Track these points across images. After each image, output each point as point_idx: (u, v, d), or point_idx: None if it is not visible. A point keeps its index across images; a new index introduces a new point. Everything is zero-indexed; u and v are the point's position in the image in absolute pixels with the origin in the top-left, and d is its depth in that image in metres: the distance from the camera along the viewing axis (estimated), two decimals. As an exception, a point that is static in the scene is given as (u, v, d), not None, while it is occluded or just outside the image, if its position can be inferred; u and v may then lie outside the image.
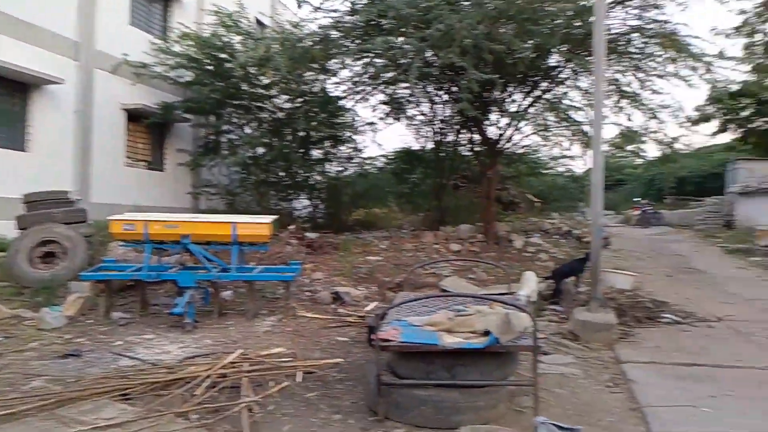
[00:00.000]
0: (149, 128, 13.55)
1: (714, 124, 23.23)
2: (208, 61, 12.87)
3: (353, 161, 16.10)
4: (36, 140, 10.67)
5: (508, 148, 13.48)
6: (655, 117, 11.49)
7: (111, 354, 5.07)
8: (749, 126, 23.21)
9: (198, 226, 6.43)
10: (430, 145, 15.85)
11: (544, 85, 11.95)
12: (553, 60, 11.34)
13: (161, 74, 12.80)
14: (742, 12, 20.23)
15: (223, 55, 12.69)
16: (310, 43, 11.32)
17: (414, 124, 15.53)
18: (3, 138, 10.14)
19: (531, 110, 12.37)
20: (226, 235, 6.42)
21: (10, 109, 10.32)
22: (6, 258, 7.45)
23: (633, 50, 10.76)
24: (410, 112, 14.86)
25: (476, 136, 13.59)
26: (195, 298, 6.18)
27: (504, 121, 12.56)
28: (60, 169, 11.03)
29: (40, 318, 5.99)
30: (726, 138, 24.96)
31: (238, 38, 12.94)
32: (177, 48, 13.00)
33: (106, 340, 5.58)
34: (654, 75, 10.95)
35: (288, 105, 14.19)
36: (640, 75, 11.10)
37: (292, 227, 11.76)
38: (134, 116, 13.07)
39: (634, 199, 26.40)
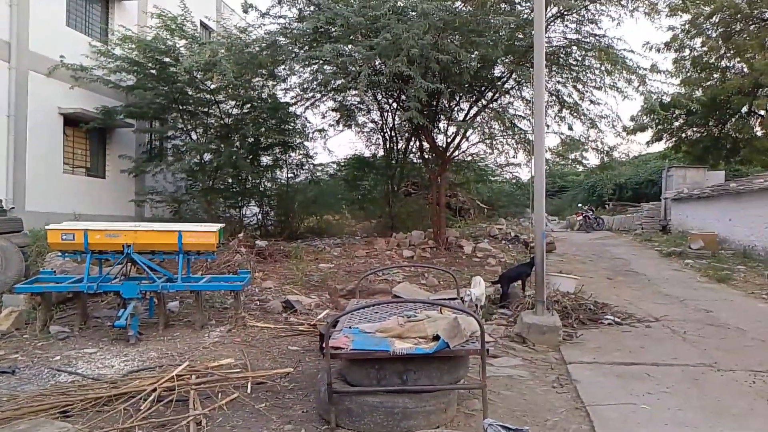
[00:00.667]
0: (89, 133, 12.99)
1: (649, 134, 24.51)
2: (151, 64, 12.51)
3: (304, 168, 16.02)
4: (-37, 146, 10.04)
5: (456, 156, 13.77)
6: (594, 126, 12.04)
7: (49, 370, 4.83)
8: (681, 135, 24.64)
9: (141, 235, 6.21)
10: (380, 153, 15.99)
11: (489, 94, 12.31)
12: (498, 70, 11.71)
13: (101, 78, 12.32)
14: (671, 28, 21.51)
15: (166, 59, 12.35)
16: (258, 49, 11.22)
17: (365, 132, 15.67)
18: (-74, 143, 9.49)
19: (478, 119, 12.70)
20: (171, 244, 6.24)
21: (-66, 112, 9.68)
22: (-71, 271, 6.97)
23: (572, 62, 11.24)
24: (361, 119, 15.00)
25: (425, 144, 13.81)
26: (139, 309, 5.97)
27: (452, 129, 12.85)
28: (-10, 176, 10.42)
29: (-31, 334, 5.64)
30: (660, 146, 26.36)
31: (182, 42, 12.64)
32: (118, 51, 12.56)
33: (43, 355, 5.31)
34: (592, 86, 11.49)
35: (236, 111, 13.97)
36: (580, 86, 11.62)
37: (241, 235, 11.55)
38: (72, 121, 12.50)
39: (578, 205, 27.45)
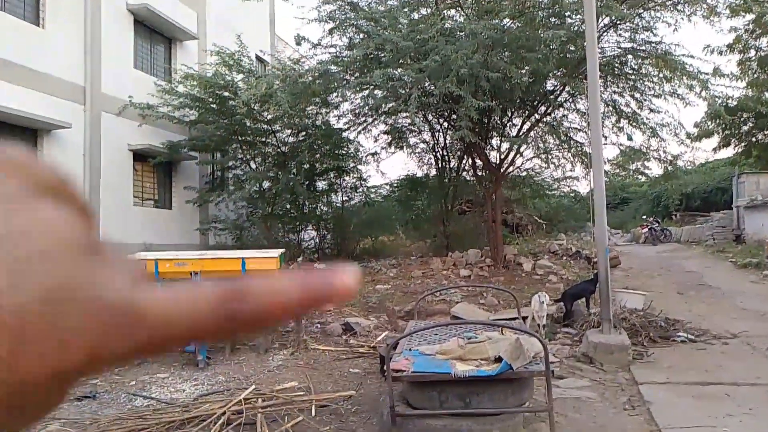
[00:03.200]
0: (156, 167, 13.76)
1: (715, 140, 23.30)
2: (212, 99, 13.15)
3: (358, 191, 16.27)
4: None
5: (511, 172, 13.59)
6: (655, 135, 11.61)
7: (126, 394, 5.08)
8: (751, 139, 23.29)
9: (207, 263, 6.49)
10: (433, 172, 16.01)
11: (542, 108, 12.14)
12: (550, 84, 11.55)
13: (166, 114, 13.06)
14: (734, 29, 20.51)
15: (226, 94, 12.97)
16: (311, 79, 11.59)
17: (416, 152, 15.75)
18: (14, 183, 10.31)
19: (531, 134, 12.53)
20: (235, 271, 6.47)
21: (21, 155, 10.52)
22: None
23: (628, 71, 10.94)
24: (412, 140, 15.12)
25: (478, 161, 13.73)
26: (206, 335, 6.19)
27: (505, 145, 12.71)
28: (70, 211, 11.17)
29: (54, 361, 6.02)
30: (729, 152, 24.99)
31: (240, 76, 13.24)
32: (181, 88, 13.30)
33: (120, 380, 5.59)
34: (651, 95, 11.13)
35: (292, 139, 14.42)
36: (637, 95, 11.27)
37: (300, 259, 11.82)
38: (141, 156, 13.29)
39: (642, 217, 26.32)
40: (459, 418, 3.51)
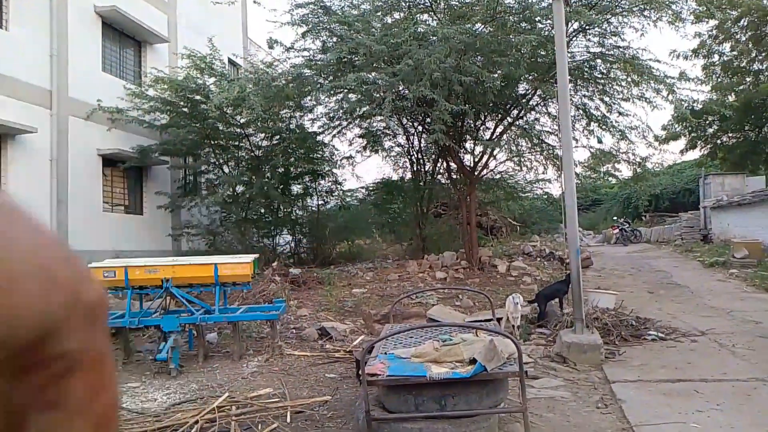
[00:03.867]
0: (126, 172, 13.50)
1: (682, 142, 23.95)
2: (183, 103, 12.97)
3: (334, 194, 16.22)
4: (11, 190, 10.53)
5: (484, 175, 13.73)
6: (624, 138, 11.87)
7: (94, 406, 4.95)
8: (716, 141, 24.01)
9: (179, 269, 6.37)
10: (408, 175, 16.07)
11: (515, 112, 12.31)
12: (522, 88, 11.72)
13: (136, 118, 12.83)
14: (698, 35, 21.16)
15: (197, 97, 12.80)
16: (284, 82, 11.53)
17: (392, 156, 15.80)
18: (-24, 190, 9.99)
19: (504, 137, 12.68)
20: (208, 277, 6.38)
21: (-16, 160, 10.22)
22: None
23: (597, 75, 11.17)
24: (387, 144, 15.16)
25: (453, 164, 13.83)
26: (179, 342, 6.09)
27: (479, 148, 12.85)
28: (37, 217, 10.86)
29: (19, 373, 5.83)
30: (695, 154, 25.71)
31: (212, 80, 13.10)
32: (151, 92, 13.08)
33: (88, 391, 5.45)
34: (620, 98, 11.38)
35: (265, 143, 14.31)
36: (607, 99, 11.51)
37: (275, 264, 11.71)
38: (110, 161, 13.02)
39: (613, 218, 26.86)
40: (435, 421, 3.50)
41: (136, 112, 12.87)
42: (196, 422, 4.08)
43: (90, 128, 12.37)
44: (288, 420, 4.30)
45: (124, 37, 14.10)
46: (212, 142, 13.62)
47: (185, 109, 13.03)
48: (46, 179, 11.29)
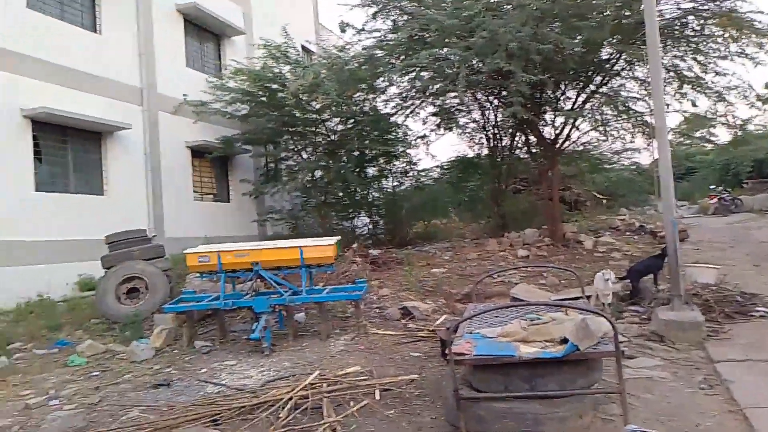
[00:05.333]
0: (212, 162, 14.19)
1: (790, 100, 21.68)
2: (261, 92, 13.36)
3: (408, 175, 16.18)
4: (111, 184, 11.40)
5: (567, 147, 13.14)
6: (722, 100, 10.91)
7: (197, 382, 5.30)
8: (830, 97, 21.56)
9: (267, 253, 6.65)
10: (485, 152, 15.71)
11: (598, 79, 11.63)
12: (605, 53, 11.02)
13: (219, 110, 13.39)
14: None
15: (275, 86, 13.14)
16: (356, 65, 11.56)
17: (467, 132, 15.47)
18: (83, 185, 10.91)
19: (587, 106, 12.04)
20: (294, 260, 6.61)
21: (87, 156, 11.10)
22: (95, 296, 7.98)
23: (690, 33, 10.29)
24: (461, 120, 14.83)
25: (532, 138, 13.36)
26: (270, 322, 6.37)
27: (560, 119, 12.29)
28: (135, 208, 11.72)
29: (131, 351, 6.36)
30: (805, 112, 23.21)
31: (287, 68, 13.38)
32: (231, 84, 13.58)
33: (191, 368, 5.85)
34: (716, 57, 10.43)
35: (341, 127, 14.49)
36: (701, 58, 10.60)
37: (354, 246, 11.92)
38: (198, 152, 13.73)
39: (710, 187, 24.93)
40: (525, 401, 3.44)
41: (219, 104, 13.42)
42: (291, 398, 4.26)
43: (178, 122, 13.08)
44: (377, 397, 4.39)
45: (204, 32, 14.71)
46: (290, 129, 13.97)
47: (263, 99, 13.42)
48: (141, 172, 12.10)
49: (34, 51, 9.93)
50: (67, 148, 10.68)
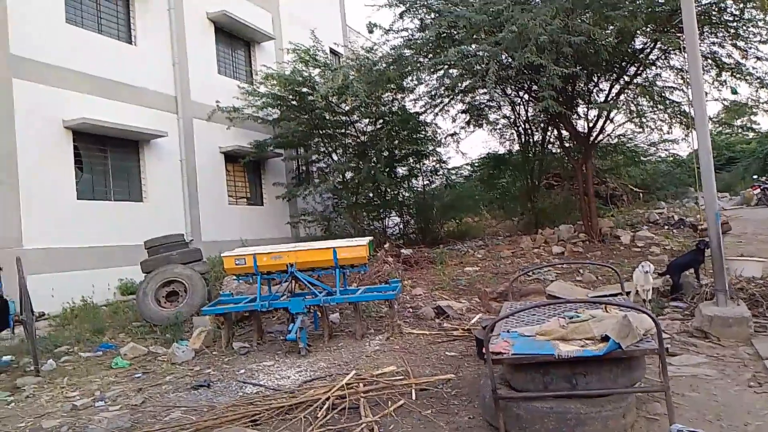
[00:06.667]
0: (246, 167, 14.43)
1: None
2: (292, 96, 13.52)
3: (439, 173, 16.13)
4: (149, 190, 11.72)
5: (601, 140, 12.87)
6: (764, 86, 10.50)
7: (236, 382, 5.39)
8: None
9: (301, 255, 6.71)
10: (516, 147, 15.53)
11: (632, 69, 11.35)
12: (639, 42, 10.76)
13: (251, 115, 13.62)
14: None
15: (305, 90, 13.28)
16: (385, 65, 11.57)
17: (497, 128, 15.33)
18: (123, 192, 11.25)
19: (621, 97, 11.76)
20: (328, 260, 6.65)
21: (126, 164, 11.44)
22: (136, 300, 8.20)
23: (728, 18, 9.94)
24: (491, 116, 14.71)
25: (565, 132, 13.13)
26: (305, 323, 6.43)
27: (593, 112, 12.04)
28: (172, 213, 12.01)
29: (171, 353, 6.51)
30: None
31: (316, 71, 13.51)
32: (262, 89, 13.79)
33: (230, 369, 5.95)
34: (757, 41, 10.05)
35: (370, 128, 14.54)
36: (741, 44, 10.22)
37: (386, 245, 11.93)
38: (231, 157, 13.98)
39: (752, 177, 24.02)
40: (566, 400, 3.38)
41: (251, 110, 13.65)
42: (328, 398, 4.29)
43: (211, 128, 13.36)
44: (413, 397, 4.38)
45: (234, 39, 14.97)
46: (320, 132, 14.10)
47: (294, 102, 13.58)
48: (177, 178, 12.40)
49: (74, 64, 10.29)
50: (106, 157, 11.03)
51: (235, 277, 7.33)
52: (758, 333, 5.32)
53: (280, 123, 13.97)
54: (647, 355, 3.68)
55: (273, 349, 6.62)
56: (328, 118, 13.74)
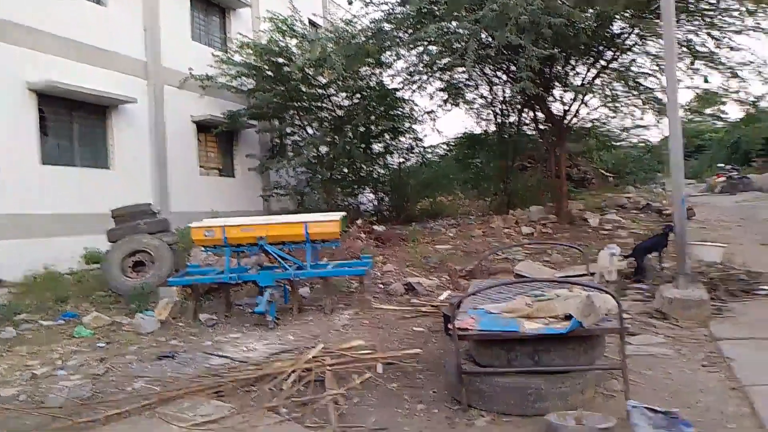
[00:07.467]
0: (218, 137, 14.12)
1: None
2: (267, 67, 13.21)
3: (414, 151, 16.09)
4: (117, 158, 11.39)
5: (575, 124, 12.99)
6: (735, 76, 10.70)
7: (202, 354, 5.36)
8: None
9: (272, 228, 6.65)
10: (492, 128, 15.56)
11: (609, 54, 11.43)
12: (617, 27, 10.81)
13: (225, 84, 13.27)
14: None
15: (281, 60, 12.99)
16: (364, 39, 11.38)
17: (474, 108, 15.30)
18: (89, 158, 10.91)
19: (597, 81, 11.85)
20: (299, 235, 6.61)
21: (93, 130, 11.07)
22: (101, 269, 8.04)
23: (705, 7, 10.05)
24: (469, 96, 14.66)
25: (540, 114, 13.21)
26: (275, 296, 6.40)
27: (569, 95, 12.12)
28: (141, 182, 11.72)
29: (136, 323, 6.42)
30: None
31: (293, 42, 13.21)
32: (237, 58, 13.43)
33: (196, 340, 5.91)
34: (731, 31, 10.19)
35: (347, 102, 14.35)
36: (715, 33, 10.36)
37: (359, 222, 11.92)
38: (204, 127, 13.66)
39: (718, 165, 24.67)
40: (527, 376, 3.46)
41: (225, 79, 13.29)
42: (294, 371, 4.30)
43: (183, 96, 12.99)
44: (380, 371, 4.42)
45: (209, 4, 14.50)
46: (296, 104, 13.85)
47: (270, 73, 13.28)
48: (147, 146, 12.07)
49: (40, 24, 9.82)
50: (72, 122, 10.65)
51: (203, 249, 7.23)
52: (714, 315, 5.51)
53: (254, 94, 13.66)
54: (608, 334, 3.77)
55: (241, 321, 6.59)
56: (304, 90, 13.50)
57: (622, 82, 11.69)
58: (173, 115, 12.71)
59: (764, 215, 13.62)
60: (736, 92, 11.15)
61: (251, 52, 13.14)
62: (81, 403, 4.10)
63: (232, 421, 3.57)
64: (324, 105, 14.11)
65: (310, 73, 12.79)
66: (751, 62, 10.64)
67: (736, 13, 9.86)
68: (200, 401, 3.93)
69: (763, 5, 9.13)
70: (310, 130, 14.43)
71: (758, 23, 9.73)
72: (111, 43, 11.24)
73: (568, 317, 3.47)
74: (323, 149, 14.04)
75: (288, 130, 14.69)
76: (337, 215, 6.91)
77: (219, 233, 6.55)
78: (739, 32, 10.10)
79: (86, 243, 9.98)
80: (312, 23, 16.85)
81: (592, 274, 6.21)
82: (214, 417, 3.63)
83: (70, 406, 4.03)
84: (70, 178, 10.28)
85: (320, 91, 13.63)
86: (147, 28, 12.13)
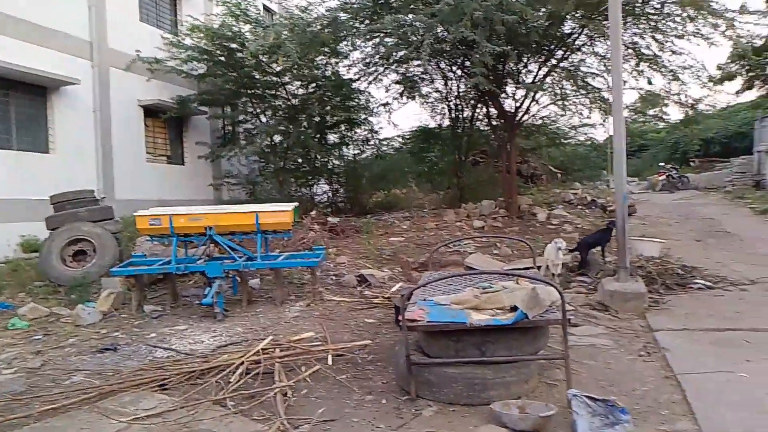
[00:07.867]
0: (167, 123, 13.67)
1: (738, 82, 22.46)
2: (219, 52, 12.86)
3: (370, 143, 16.07)
4: (58, 141, 10.85)
5: (526, 120, 13.29)
6: (676, 79, 11.20)
7: (146, 346, 5.20)
8: (776, 81, 22.42)
9: (222, 218, 6.49)
10: (446, 122, 15.73)
11: (559, 53, 11.73)
12: (568, 27, 11.10)
13: (174, 68, 12.83)
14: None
15: (233, 45, 12.66)
16: (319, 27, 11.24)
17: (429, 102, 15.42)
18: (26, 141, 10.34)
19: (548, 80, 12.15)
20: (249, 225, 6.49)
21: (32, 112, 10.49)
22: (39, 258, 7.65)
23: (650, 11, 10.45)
24: (424, 89, 14.74)
25: (493, 110, 13.43)
26: (223, 287, 6.27)
27: (520, 92, 12.38)
28: (83, 168, 11.22)
29: (76, 315, 6.16)
30: (752, 95, 24.11)
31: (247, 27, 12.90)
32: (188, 41, 13.01)
33: (140, 333, 5.72)
34: (673, 36, 10.66)
35: (301, 91, 14.17)
36: (659, 36, 10.81)
37: (313, 213, 11.82)
38: (151, 112, 13.19)
39: (659, 164, 25.84)
40: (475, 366, 3.53)
41: (174, 62, 12.86)
42: (242, 363, 4.22)
43: (130, 79, 12.48)
44: (330, 363, 4.40)
45: (158, -16, 13.98)
46: (249, 92, 13.56)
47: (222, 58, 12.94)
48: (90, 130, 11.55)
49: (-30, -5, 9.22)
50: (9, 102, 10.06)
51: (149, 238, 6.99)
52: (652, 307, 5.78)
53: (205, 79, 13.28)
54: (551, 325, 3.89)
55: (187, 313, 6.43)
56: (257, 77, 13.23)
57: (572, 81, 12.04)
58: (119, 98, 12.20)
59: (700, 212, 14.38)
60: (677, 95, 11.67)
61: (202, 35, 12.75)
62: (13, 398, 3.91)
63: (176, 414, 3.48)
64: (278, 93, 13.87)
65: (264, 59, 12.53)
66: (691, 66, 11.16)
67: (678, 18, 10.30)
68: (143, 395, 3.81)
69: (703, 12, 9.56)
70: (263, 119, 14.17)
71: (698, 29, 10.19)
72: (52, 21, 10.67)
73: (514, 309, 3.56)
74: (277, 138, 13.82)
75: (240, 117, 14.38)
76: (290, 206, 6.82)
77: (166, 222, 6.35)
78: (680, 37, 10.55)
79: (23, 230, 9.50)
80: (267, 9, 16.52)
81: (539, 267, 6.40)
82: (157, 411, 3.53)
83: (1, 402, 3.83)
84: (6, 162, 9.73)
85: (274, 78, 13.39)
86: (92, 6, 11.56)
